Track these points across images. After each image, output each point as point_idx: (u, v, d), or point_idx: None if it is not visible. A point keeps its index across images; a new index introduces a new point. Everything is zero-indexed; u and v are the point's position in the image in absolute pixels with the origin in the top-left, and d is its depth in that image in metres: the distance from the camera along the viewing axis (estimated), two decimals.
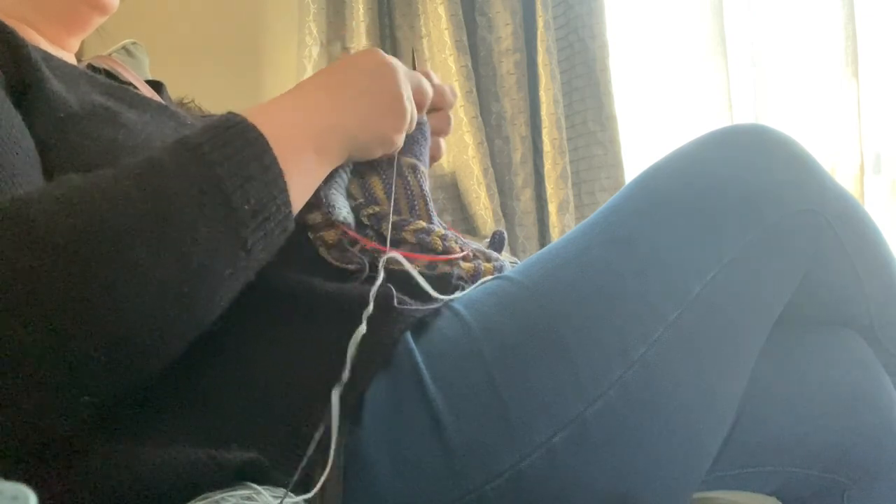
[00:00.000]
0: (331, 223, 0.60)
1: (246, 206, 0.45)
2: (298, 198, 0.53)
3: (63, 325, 0.39)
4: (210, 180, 0.45)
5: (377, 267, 0.61)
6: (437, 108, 0.75)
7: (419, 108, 0.67)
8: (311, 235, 0.61)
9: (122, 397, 0.46)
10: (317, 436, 0.47)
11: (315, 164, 0.55)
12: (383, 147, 0.62)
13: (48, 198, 0.42)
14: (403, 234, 0.62)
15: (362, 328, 0.51)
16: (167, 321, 0.43)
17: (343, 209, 0.61)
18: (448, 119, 0.75)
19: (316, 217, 0.60)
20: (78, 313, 0.39)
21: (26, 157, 0.49)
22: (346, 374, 0.48)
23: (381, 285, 0.55)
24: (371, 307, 0.51)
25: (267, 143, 0.48)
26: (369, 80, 0.60)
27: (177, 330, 0.45)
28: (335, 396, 0.47)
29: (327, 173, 0.58)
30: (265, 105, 0.54)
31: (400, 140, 0.63)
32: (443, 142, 0.77)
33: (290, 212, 0.50)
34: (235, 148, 0.47)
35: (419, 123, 0.70)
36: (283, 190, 0.49)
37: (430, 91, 0.67)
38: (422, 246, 0.62)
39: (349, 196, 0.64)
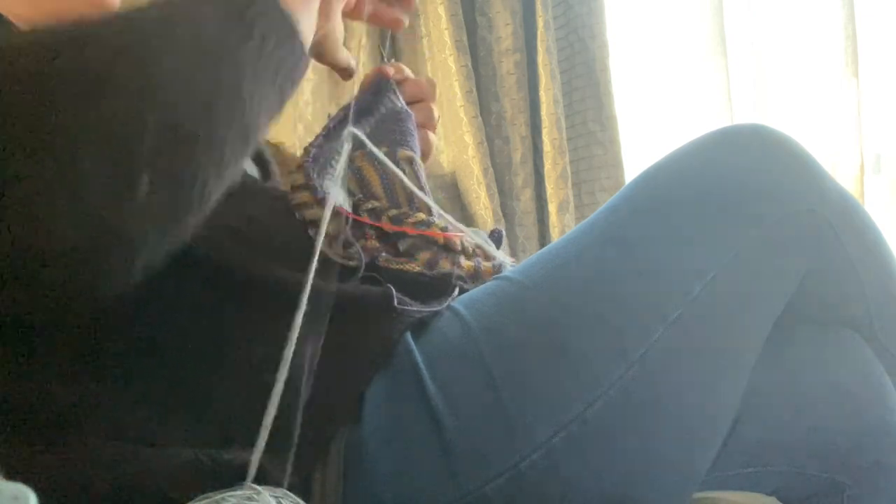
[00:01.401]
0: (333, 213, 0.60)
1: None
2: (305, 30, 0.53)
3: (125, 101, 0.40)
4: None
5: (376, 266, 0.61)
6: (416, 99, 0.74)
7: None
8: (297, 215, 0.60)
9: (179, 193, 0.45)
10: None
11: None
12: None
13: (91, 21, 0.43)
14: (404, 226, 0.62)
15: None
16: (210, 112, 0.44)
17: (339, 195, 0.61)
18: (430, 110, 0.74)
19: (307, 200, 0.60)
20: (136, 91, 0.40)
21: None
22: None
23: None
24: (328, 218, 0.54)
25: None
26: None
27: (217, 117, 0.45)
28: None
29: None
30: None
31: None
32: (432, 136, 0.76)
33: (300, 35, 0.50)
34: None
35: (408, 114, 0.70)
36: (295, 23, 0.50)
37: None
38: (423, 238, 0.62)
39: (348, 193, 0.64)
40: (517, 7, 1.56)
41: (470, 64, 1.54)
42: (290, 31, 0.50)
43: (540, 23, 1.52)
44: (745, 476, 0.64)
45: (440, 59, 1.57)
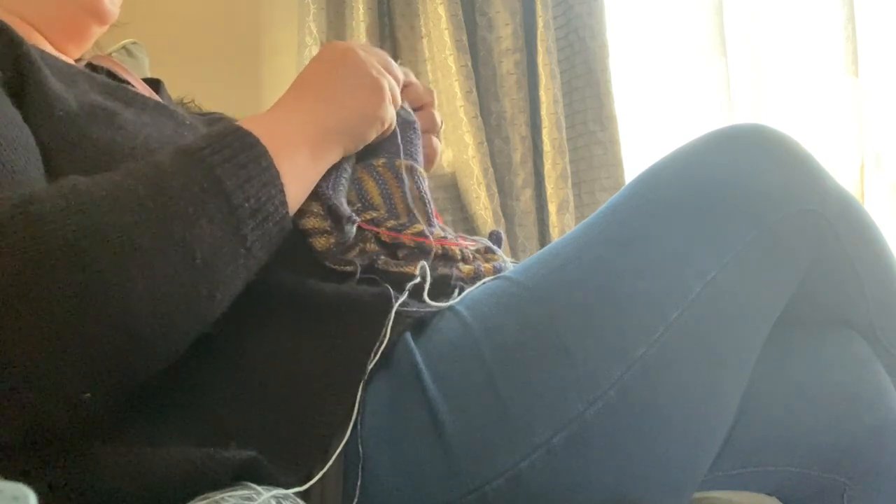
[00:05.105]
0: (325, 230, 0.60)
1: (245, 205, 0.47)
2: (295, 198, 0.54)
3: (70, 319, 0.40)
4: (211, 181, 0.46)
5: (375, 268, 0.60)
6: (416, 105, 0.74)
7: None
8: (308, 239, 0.60)
9: (121, 398, 0.46)
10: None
11: (309, 165, 0.56)
12: (373, 127, 0.62)
13: (56, 196, 0.42)
14: (402, 237, 0.62)
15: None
16: (170, 318, 0.44)
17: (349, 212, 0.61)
18: (432, 116, 0.76)
19: (314, 222, 0.60)
20: (84, 308, 0.40)
21: (25, 154, 0.49)
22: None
23: (382, 288, 0.56)
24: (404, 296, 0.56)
25: (264, 147, 0.50)
26: (337, 71, 0.61)
27: (179, 327, 0.45)
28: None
29: (321, 174, 0.59)
30: (254, 117, 0.56)
31: (387, 114, 0.63)
32: (436, 140, 0.77)
33: (287, 212, 0.52)
34: (234, 151, 0.48)
35: (409, 122, 0.70)
36: (281, 190, 0.50)
37: (390, 62, 0.68)
38: (420, 249, 0.62)
39: (347, 203, 0.64)
40: (517, 7, 1.56)
41: (470, 64, 1.54)
42: (284, 231, 0.52)
43: (540, 23, 1.52)
44: (745, 476, 0.63)
45: (440, 59, 1.57)
